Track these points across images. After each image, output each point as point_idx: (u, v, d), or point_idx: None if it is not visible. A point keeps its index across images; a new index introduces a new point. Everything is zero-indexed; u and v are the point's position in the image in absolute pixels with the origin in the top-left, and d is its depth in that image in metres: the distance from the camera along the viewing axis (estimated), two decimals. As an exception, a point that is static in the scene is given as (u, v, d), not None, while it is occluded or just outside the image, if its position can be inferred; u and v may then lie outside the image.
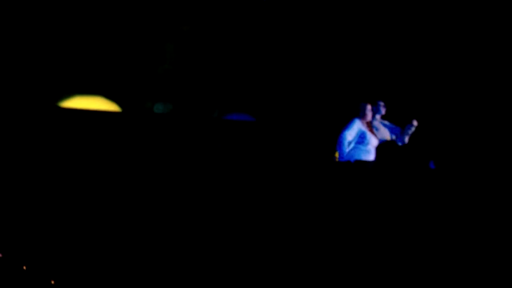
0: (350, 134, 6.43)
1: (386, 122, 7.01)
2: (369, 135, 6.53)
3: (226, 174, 4.52)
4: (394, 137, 6.88)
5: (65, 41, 7.14)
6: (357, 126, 6.49)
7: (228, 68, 7.40)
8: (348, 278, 3.59)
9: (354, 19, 7.58)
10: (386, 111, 7.01)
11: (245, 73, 7.40)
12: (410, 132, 6.69)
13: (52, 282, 3.61)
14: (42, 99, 6.75)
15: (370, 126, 6.68)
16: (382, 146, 6.46)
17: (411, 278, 3.44)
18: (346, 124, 6.62)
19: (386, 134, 6.97)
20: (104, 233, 4.17)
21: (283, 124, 6.97)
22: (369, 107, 6.68)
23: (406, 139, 6.88)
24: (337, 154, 6.33)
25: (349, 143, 6.44)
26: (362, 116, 6.61)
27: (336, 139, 6.66)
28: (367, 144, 6.48)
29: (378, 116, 7.04)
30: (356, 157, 6.38)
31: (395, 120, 6.99)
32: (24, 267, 3.54)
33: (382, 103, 7.08)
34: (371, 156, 6.40)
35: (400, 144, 6.85)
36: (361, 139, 6.49)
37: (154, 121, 5.69)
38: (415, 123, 6.69)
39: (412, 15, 7.45)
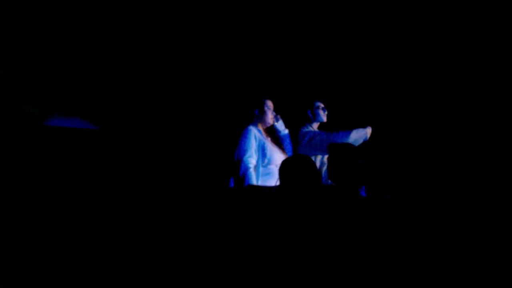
0: (253, 156, 4.18)
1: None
2: (269, 148, 4.31)
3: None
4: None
5: None
6: (253, 136, 4.28)
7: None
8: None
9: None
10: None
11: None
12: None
13: None
14: None
15: (267, 133, 4.49)
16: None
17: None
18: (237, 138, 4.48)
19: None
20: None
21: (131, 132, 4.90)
22: (269, 103, 4.49)
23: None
24: None
25: (255, 167, 4.20)
26: (258, 121, 4.45)
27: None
28: (268, 163, 4.29)
29: (315, 125, 4.61)
30: (251, 180, 4.21)
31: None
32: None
33: (321, 105, 4.62)
34: (272, 180, 4.21)
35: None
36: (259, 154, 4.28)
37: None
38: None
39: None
